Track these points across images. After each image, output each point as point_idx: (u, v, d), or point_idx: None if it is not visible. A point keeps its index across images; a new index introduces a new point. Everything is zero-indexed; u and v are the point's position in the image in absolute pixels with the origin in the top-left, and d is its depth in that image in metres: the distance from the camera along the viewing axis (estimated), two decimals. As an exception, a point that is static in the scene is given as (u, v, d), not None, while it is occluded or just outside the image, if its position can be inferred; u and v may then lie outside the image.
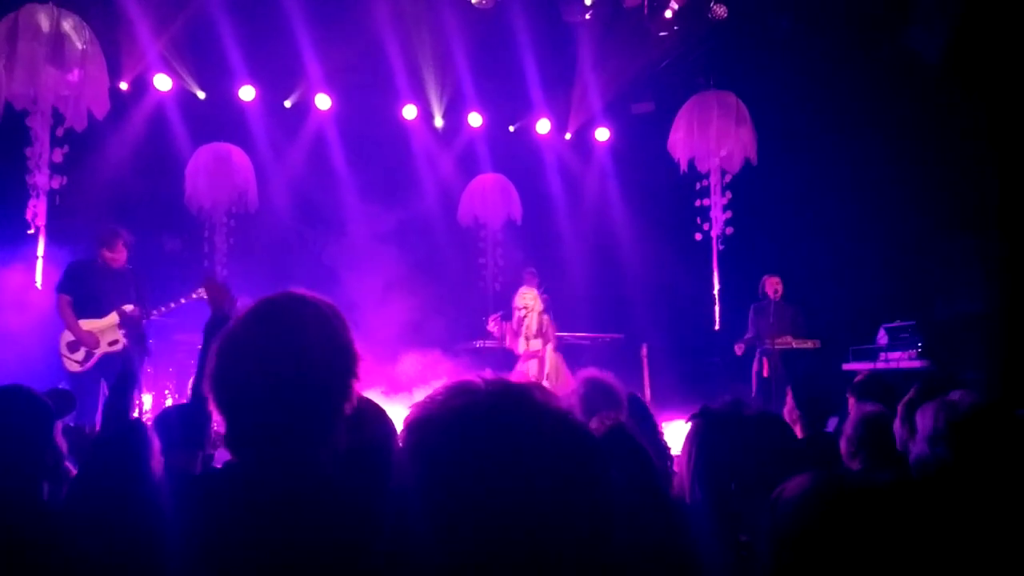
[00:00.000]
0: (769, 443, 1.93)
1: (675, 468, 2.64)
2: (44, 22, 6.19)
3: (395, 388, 6.26)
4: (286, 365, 1.31)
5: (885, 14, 6.97)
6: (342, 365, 1.37)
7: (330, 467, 1.32)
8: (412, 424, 0.90)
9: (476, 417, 0.87)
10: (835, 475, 1.15)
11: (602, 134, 9.60)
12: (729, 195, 8.21)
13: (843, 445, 2.97)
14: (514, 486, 0.82)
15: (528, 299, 7.51)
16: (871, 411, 2.98)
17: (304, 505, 1.26)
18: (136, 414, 5.63)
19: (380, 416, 1.82)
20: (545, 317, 7.56)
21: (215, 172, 7.92)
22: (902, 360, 6.62)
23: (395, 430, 1.87)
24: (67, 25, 6.26)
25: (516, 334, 7.52)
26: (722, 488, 1.83)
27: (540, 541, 0.82)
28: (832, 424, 4.10)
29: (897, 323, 6.85)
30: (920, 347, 6.50)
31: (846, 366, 7.00)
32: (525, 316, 7.48)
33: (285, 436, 1.30)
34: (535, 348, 7.52)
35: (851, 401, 3.99)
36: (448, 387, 0.91)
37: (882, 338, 6.94)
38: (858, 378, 4.93)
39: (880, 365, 6.70)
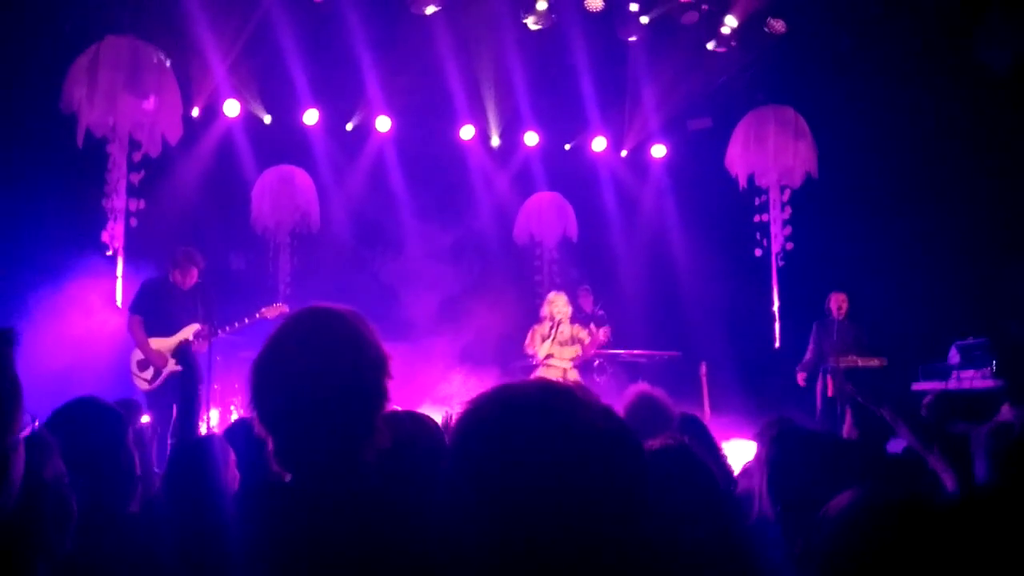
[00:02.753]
0: (848, 463, 1.89)
1: (744, 486, 2.59)
2: (123, 53, 6.54)
3: (442, 403, 6.31)
4: (317, 376, 1.36)
5: (951, 26, 6.77)
6: (371, 365, 1.41)
7: (375, 468, 1.36)
8: (459, 421, 0.95)
9: (519, 412, 0.91)
10: (879, 492, 1.14)
11: (659, 151, 9.56)
12: (789, 211, 8.06)
13: (932, 462, 2.88)
14: (555, 477, 0.86)
15: (560, 305, 7.12)
16: (958, 431, 2.89)
17: (354, 509, 1.31)
18: (204, 429, 5.82)
19: (422, 421, 1.86)
20: (580, 328, 7.17)
21: (279, 194, 8.20)
22: (975, 379, 6.32)
23: (439, 431, 1.91)
24: (144, 55, 6.60)
25: (549, 338, 7.08)
26: (791, 505, 1.80)
27: (579, 528, 0.86)
28: (897, 445, 3.96)
29: (970, 340, 6.57)
30: (994, 366, 6.20)
31: (916, 386, 6.73)
32: (560, 323, 7.07)
33: (328, 444, 1.35)
34: (563, 358, 7.09)
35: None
36: (494, 387, 0.97)
37: (953, 356, 6.65)
38: (928, 399, 4.75)
39: (952, 385, 6.42)
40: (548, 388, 0.95)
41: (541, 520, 0.86)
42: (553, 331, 7.07)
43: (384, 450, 1.41)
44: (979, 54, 6.55)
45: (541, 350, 7.09)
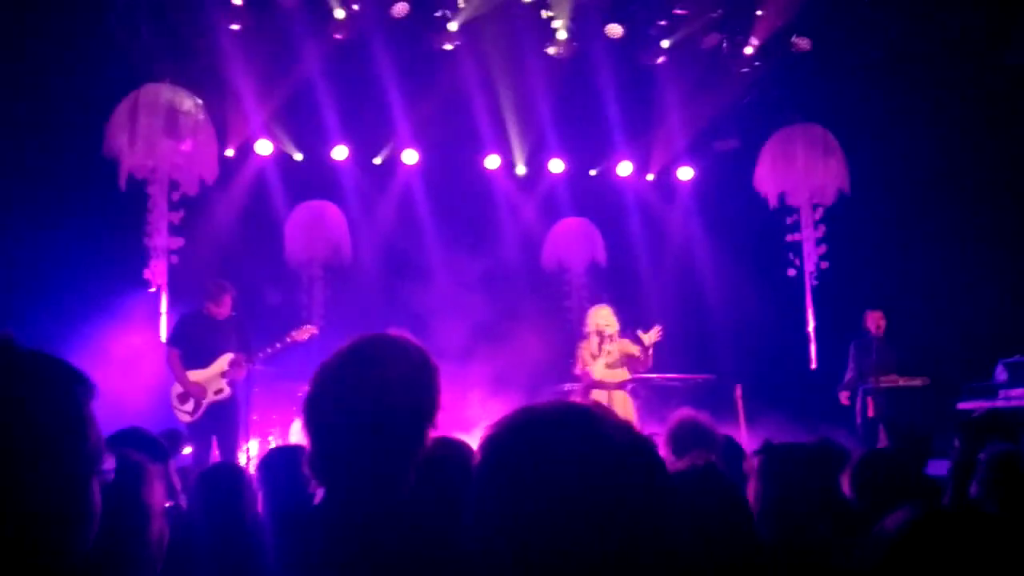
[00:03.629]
0: (836, 481, 1.88)
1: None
2: (160, 99, 6.80)
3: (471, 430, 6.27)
4: (366, 401, 1.39)
5: (982, 35, 6.69)
6: (419, 411, 1.43)
7: (406, 500, 1.38)
8: (482, 444, 0.97)
9: (539, 432, 0.93)
10: (942, 507, 1.12)
11: (685, 173, 9.54)
12: (823, 229, 7.97)
13: (975, 487, 2.82)
14: (578, 496, 0.87)
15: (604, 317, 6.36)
16: (1004, 450, 2.82)
17: (388, 533, 1.33)
18: (244, 459, 5.90)
19: (454, 446, 1.88)
20: (630, 343, 6.34)
21: (311, 228, 8.37)
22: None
23: (471, 457, 1.93)
24: (181, 100, 6.85)
25: (600, 355, 6.28)
26: (789, 522, 1.78)
27: (606, 549, 0.86)
28: (941, 467, 3.86)
29: (1017, 358, 6.38)
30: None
31: (961, 405, 6.54)
32: (612, 336, 6.26)
33: (358, 466, 1.38)
34: (617, 379, 6.34)
35: (958, 441, 3.76)
36: (516, 409, 0.98)
37: (1000, 374, 6.47)
38: (975, 416, 4.62)
39: (1000, 403, 6.23)
40: (568, 407, 0.97)
41: (566, 538, 0.86)
42: (602, 345, 6.29)
43: (419, 476, 1.43)
44: (1010, 62, 6.46)
45: (596, 369, 6.29)
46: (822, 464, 1.90)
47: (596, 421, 0.94)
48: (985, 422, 3.70)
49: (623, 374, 6.39)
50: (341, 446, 1.39)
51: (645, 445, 0.96)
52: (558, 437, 0.92)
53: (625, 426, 0.96)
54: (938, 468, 4.13)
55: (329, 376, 1.44)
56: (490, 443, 0.96)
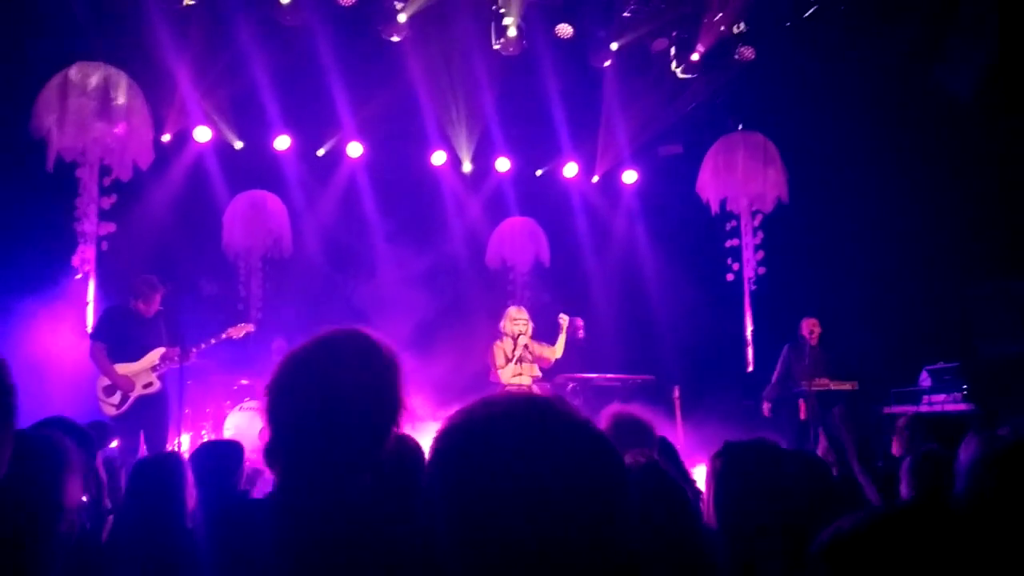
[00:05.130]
0: (799, 482, 1.91)
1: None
2: (93, 78, 6.50)
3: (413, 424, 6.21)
4: (335, 396, 1.38)
5: (916, 53, 6.97)
6: (386, 410, 1.43)
7: (366, 496, 1.35)
8: (439, 434, 0.95)
9: (499, 423, 0.91)
10: (898, 513, 1.12)
11: (629, 176, 9.66)
12: (761, 235, 8.18)
13: (903, 488, 2.92)
14: (535, 488, 0.86)
15: (522, 324, 6.83)
16: (931, 450, 2.94)
17: (338, 533, 1.29)
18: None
19: (403, 441, 1.86)
20: (545, 346, 6.92)
21: (251, 219, 8.14)
22: (947, 403, 6.41)
23: (420, 451, 1.90)
24: (114, 81, 6.56)
25: (512, 360, 6.74)
26: (744, 527, 1.81)
27: (561, 541, 0.85)
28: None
29: (940, 365, 6.66)
30: (965, 389, 6.30)
31: (887, 409, 6.81)
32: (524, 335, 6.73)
33: (317, 458, 1.36)
34: (527, 374, 6.80)
35: (895, 443, 3.91)
36: (475, 401, 0.96)
37: (925, 380, 6.75)
38: (901, 421, 4.82)
39: (924, 408, 6.50)
40: (529, 400, 0.95)
41: (523, 531, 0.85)
42: (515, 351, 6.78)
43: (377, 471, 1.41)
44: (941, 80, 6.75)
45: (504, 373, 6.77)
46: (777, 464, 1.92)
47: (554, 414, 0.93)
48: (926, 423, 3.86)
49: (534, 370, 6.89)
50: (303, 437, 1.36)
51: (602, 440, 0.94)
52: (516, 430, 0.90)
53: (583, 420, 0.95)
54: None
55: (296, 367, 1.42)
56: (449, 435, 0.93)
